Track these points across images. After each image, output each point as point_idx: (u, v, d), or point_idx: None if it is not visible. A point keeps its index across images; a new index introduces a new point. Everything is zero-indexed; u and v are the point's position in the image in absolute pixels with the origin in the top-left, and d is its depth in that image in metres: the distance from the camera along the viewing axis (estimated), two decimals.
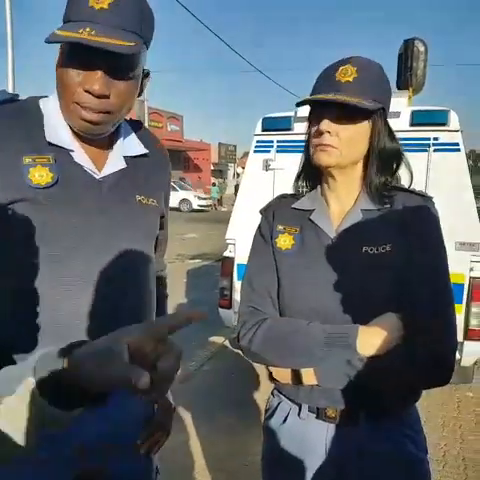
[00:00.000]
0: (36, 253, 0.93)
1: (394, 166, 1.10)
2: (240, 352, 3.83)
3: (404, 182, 1.13)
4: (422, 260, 1.02)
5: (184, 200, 22.63)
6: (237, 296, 3.48)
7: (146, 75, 1.04)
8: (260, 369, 4.01)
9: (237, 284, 3.52)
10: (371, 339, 0.99)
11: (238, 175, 27.05)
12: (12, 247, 0.93)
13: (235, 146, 36.89)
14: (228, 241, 3.64)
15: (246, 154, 6.30)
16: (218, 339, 4.77)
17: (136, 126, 1.15)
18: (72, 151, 0.99)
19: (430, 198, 1.08)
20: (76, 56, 0.90)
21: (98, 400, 0.98)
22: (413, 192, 1.09)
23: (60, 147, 0.97)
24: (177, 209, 21.74)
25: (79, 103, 0.93)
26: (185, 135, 31.72)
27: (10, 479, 0.72)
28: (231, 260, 3.60)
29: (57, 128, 0.99)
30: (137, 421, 1.12)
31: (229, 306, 3.61)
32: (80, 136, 1.00)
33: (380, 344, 1.00)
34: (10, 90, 10.70)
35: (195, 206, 22.58)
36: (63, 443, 0.97)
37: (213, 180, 29.84)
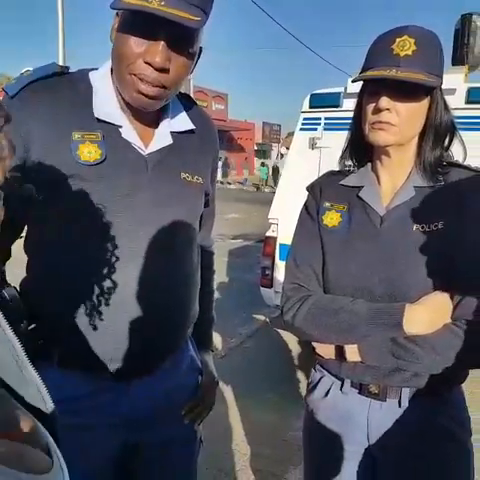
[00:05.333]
0: (83, 227, 0.94)
1: (447, 140, 1.06)
2: (280, 331, 3.85)
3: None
4: (474, 237, 0.98)
5: None
6: (278, 275, 3.51)
7: (200, 52, 1.01)
8: (301, 348, 4.03)
9: (279, 263, 3.52)
10: (418, 317, 0.98)
11: (282, 155, 26.73)
12: (59, 222, 0.95)
13: (280, 126, 36.37)
14: (271, 221, 3.63)
15: (290, 134, 6.23)
16: (259, 317, 4.82)
17: (185, 100, 1.12)
18: (120, 126, 0.98)
19: None
20: (139, 25, 0.88)
21: (146, 371, 1.02)
22: (468, 168, 1.05)
23: (108, 123, 0.97)
24: None
25: (137, 75, 0.91)
26: (229, 114, 31.60)
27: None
28: (273, 239, 3.60)
29: (106, 102, 0.98)
30: (183, 390, 1.15)
31: (270, 285, 3.63)
32: (129, 110, 0.99)
33: (428, 323, 0.98)
34: (60, 61, 10.93)
35: None
36: (112, 411, 1.01)
37: (262, 160, 29.38)
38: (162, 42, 0.88)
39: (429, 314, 0.99)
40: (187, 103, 1.13)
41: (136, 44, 0.89)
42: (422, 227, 1.02)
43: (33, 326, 0.93)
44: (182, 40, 0.91)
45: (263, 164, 26.98)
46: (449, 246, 0.99)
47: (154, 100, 0.95)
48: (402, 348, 0.99)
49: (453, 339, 0.97)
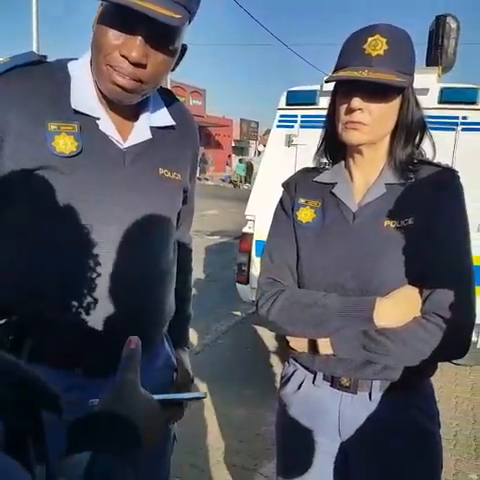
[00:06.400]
0: (59, 221, 0.93)
1: (418, 137, 1.08)
2: (256, 327, 3.87)
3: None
4: (443, 233, 1.01)
5: None
6: (255, 272, 3.53)
7: (184, 51, 1.00)
8: (276, 344, 4.06)
9: (255, 260, 3.54)
10: (388, 310, 1.00)
11: (259, 153, 26.75)
12: (32, 215, 0.92)
13: (257, 123, 36.36)
14: (247, 217, 3.64)
15: (268, 131, 6.24)
16: (235, 314, 4.84)
17: (166, 96, 1.11)
18: (98, 119, 0.96)
19: (455, 171, 1.06)
20: (119, 17, 0.87)
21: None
22: (438, 165, 1.08)
23: (86, 114, 0.95)
24: None
25: (113, 66, 0.89)
26: (207, 110, 31.40)
27: None
28: (250, 236, 3.62)
29: (84, 93, 0.96)
30: (157, 388, 1.14)
31: (246, 282, 3.64)
32: (107, 103, 0.97)
33: (397, 316, 1.00)
34: (34, 50, 10.63)
35: None
36: (87, 408, 1.00)
37: (239, 157, 29.38)
38: (140, 37, 0.87)
39: (399, 307, 1.01)
40: (168, 98, 1.11)
41: (114, 36, 0.88)
42: (393, 223, 1.04)
43: (3, 321, 0.92)
44: (161, 37, 0.89)
45: (241, 160, 26.96)
46: (419, 241, 1.01)
47: (130, 93, 0.93)
48: (373, 341, 1.01)
49: (422, 332, 0.99)
